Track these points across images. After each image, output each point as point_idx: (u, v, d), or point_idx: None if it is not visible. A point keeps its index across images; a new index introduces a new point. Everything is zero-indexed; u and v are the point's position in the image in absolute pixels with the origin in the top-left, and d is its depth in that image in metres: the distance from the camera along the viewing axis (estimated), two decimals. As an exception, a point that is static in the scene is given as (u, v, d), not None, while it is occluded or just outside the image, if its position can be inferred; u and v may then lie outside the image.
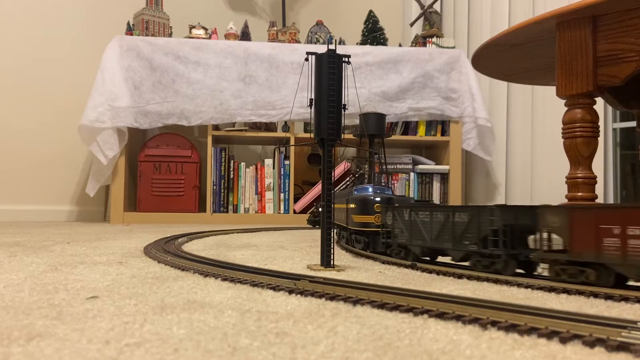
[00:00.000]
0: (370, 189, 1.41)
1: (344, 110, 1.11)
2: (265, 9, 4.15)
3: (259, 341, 0.53)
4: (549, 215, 0.89)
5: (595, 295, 0.79)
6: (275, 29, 3.48)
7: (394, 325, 0.60)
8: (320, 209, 2.53)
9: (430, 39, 3.46)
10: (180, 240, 1.69)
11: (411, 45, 3.50)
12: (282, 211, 3.24)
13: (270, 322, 0.61)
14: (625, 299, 0.76)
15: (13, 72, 3.46)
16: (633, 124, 2.26)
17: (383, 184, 3.09)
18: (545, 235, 0.90)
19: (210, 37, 3.35)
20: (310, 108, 1.11)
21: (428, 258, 1.16)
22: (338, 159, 3.51)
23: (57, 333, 0.55)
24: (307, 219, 2.67)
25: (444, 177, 3.38)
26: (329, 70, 1.08)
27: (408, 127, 3.40)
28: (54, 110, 3.53)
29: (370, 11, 3.54)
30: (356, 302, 0.72)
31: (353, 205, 1.37)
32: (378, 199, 1.33)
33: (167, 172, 3.25)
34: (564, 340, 0.53)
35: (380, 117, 2.73)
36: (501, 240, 0.94)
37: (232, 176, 3.30)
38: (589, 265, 0.83)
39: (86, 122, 3.01)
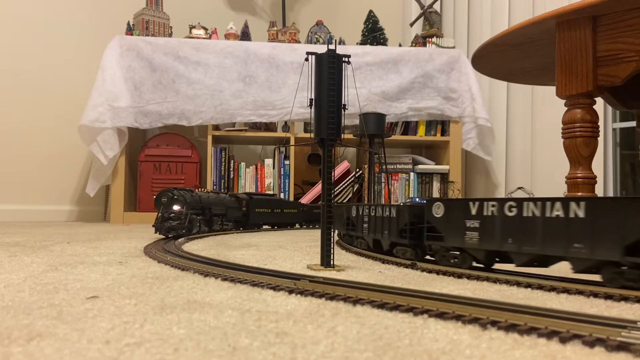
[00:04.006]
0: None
1: (344, 110, 1.11)
2: (265, 9, 4.15)
3: (259, 341, 0.53)
4: None
5: (595, 295, 0.79)
6: (275, 29, 3.49)
7: (394, 325, 0.60)
8: (175, 208, 1.74)
9: (430, 39, 3.46)
10: (180, 240, 1.69)
11: (411, 45, 3.50)
12: (282, 211, 3.24)
13: (270, 322, 0.61)
14: (625, 299, 0.76)
15: (13, 72, 3.46)
16: (633, 124, 2.26)
17: (383, 183, 3.10)
18: None
19: (210, 37, 3.35)
20: (310, 108, 1.11)
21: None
22: (338, 159, 3.51)
23: (57, 333, 0.55)
24: (154, 225, 1.75)
25: (444, 177, 3.38)
26: (329, 70, 1.08)
27: (408, 127, 3.40)
28: (54, 110, 3.53)
29: (370, 11, 3.54)
30: (356, 302, 0.72)
31: None
32: None
33: (167, 172, 3.25)
34: (563, 340, 0.53)
35: (380, 117, 2.74)
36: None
37: (232, 176, 3.31)
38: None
39: (86, 122, 3.01)
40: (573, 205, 0.84)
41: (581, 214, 0.83)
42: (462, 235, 1.01)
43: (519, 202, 0.92)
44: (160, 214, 1.76)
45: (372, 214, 1.32)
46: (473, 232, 0.99)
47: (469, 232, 1.00)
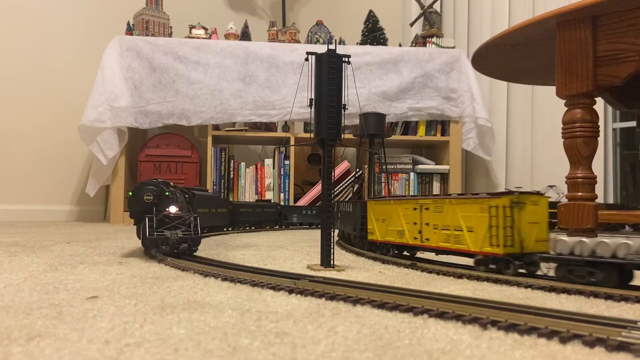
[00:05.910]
0: None
1: (344, 110, 1.11)
2: (265, 9, 4.15)
3: (259, 341, 0.53)
4: None
5: (595, 295, 0.79)
6: (275, 29, 3.48)
7: (394, 325, 0.60)
8: (173, 210, 1.22)
9: (430, 39, 3.46)
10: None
11: (411, 45, 3.50)
12: (282, 211, 3.24)
13: (270, 322, 0.61)
14: (625, 299, 0.76)
15: (13, 72, 3.46)
16: (633, 124, 2.26)
17: (383, 183, 3.10)
18: None
19: (210, 37, 3.35)
20: (310, 108, 1.11)
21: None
22: (338, 159, 3.51)
23: (57, 333, 0.55)
24: (146, 238, 1.20)
25: (444, 177, 3.38)
26: (329, 70, 1.08)
27: (408, 127, 3.40)
28: (54, 110, 3.53)
29: (370, 11, 3.54)
30: (356, 301, 0.71)
31: None
32: None
33: (167, 172, 3.25)
34: (563, 340, 0.53)
35: (380, 117, 2.74)
36: None
37: (232, 176, 3.30)
38: None
39: (86, 122, 3.01)
40: (351, 204, 1.53)
41: (351, 209, 1.52)
42: (337, 221, 1.71)
43: (345, 203, 1.62)
44: (152, 220, 1.18)
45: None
46: (340, 219, 1.67)
47: (340, 220, 1.68)
